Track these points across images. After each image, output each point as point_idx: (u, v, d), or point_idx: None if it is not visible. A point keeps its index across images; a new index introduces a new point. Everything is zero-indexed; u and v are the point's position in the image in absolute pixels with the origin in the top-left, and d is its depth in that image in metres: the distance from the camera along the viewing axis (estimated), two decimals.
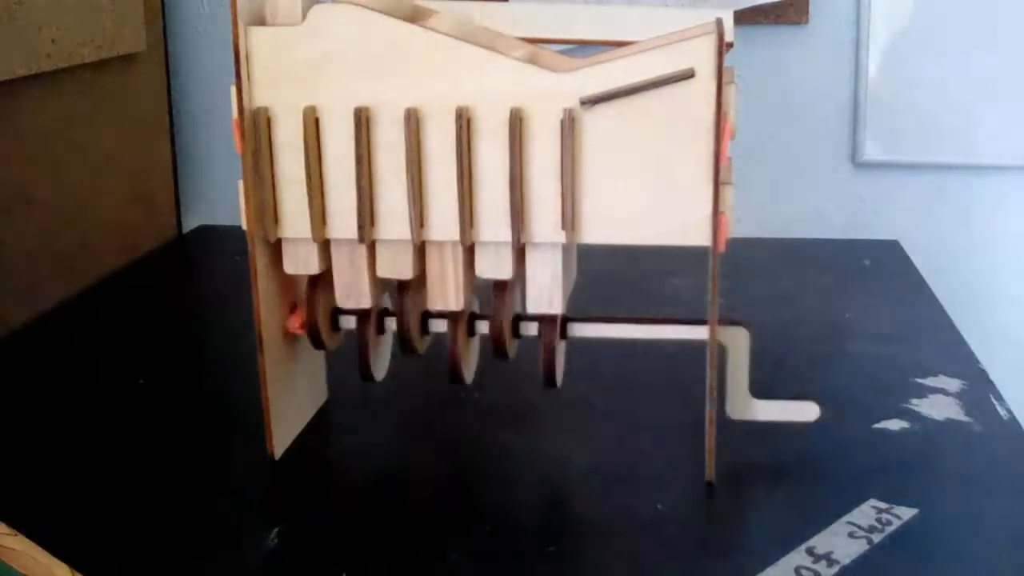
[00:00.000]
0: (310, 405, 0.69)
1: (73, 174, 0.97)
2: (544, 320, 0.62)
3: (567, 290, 0.63)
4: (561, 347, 0.64)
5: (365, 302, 0.62)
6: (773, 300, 0.88)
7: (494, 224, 0.58)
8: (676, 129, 0.55)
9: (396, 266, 0.60)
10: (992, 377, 0.74)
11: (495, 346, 0.62)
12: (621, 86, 0.54)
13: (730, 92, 0.55)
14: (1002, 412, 0.68)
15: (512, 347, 0.63)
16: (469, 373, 0.65)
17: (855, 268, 0.99)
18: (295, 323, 0.63)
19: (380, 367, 0.66)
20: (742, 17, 1.07)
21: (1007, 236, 1.12)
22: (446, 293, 0.61)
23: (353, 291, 0.62)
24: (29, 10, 0.86)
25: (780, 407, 0.62)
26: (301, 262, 0.61)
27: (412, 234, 0.58)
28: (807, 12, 1.09)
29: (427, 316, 0.64)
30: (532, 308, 0.61)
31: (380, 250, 0.60)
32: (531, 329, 0.63)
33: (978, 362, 0.76)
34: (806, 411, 0.62)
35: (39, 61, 0.88)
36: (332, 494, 0.60)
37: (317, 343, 0.64)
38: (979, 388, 0.72)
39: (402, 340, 0.63)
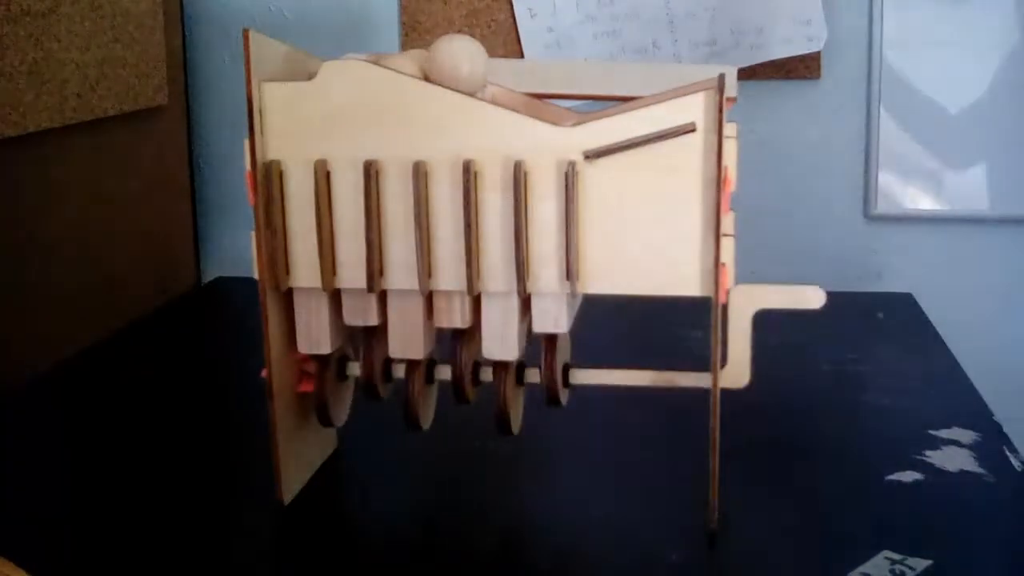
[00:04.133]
0: (319, 452, 0.69)
1: (94, 225, 0.98)
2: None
3: (565, 340, 0.63)
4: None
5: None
6: (787, 352, 0.88)
7: (499, 274, 0.58)
8: (677, 182, 0.56)
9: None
10: (1006, 429, 0.73)
11: (497, 406, 0.63)
12: (623, 140, 0.55)
13: (731, 145, 0.56)
14: (1015, 464, 0.68)
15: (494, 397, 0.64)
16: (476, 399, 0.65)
17: (868, 320, 0.99)
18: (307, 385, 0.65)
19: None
20: (755, 72, 1.08)
21: (1020, 288, 1.11)
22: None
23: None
24: (54, 64, 0.88)
25: (783, 292, 0.59)
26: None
27: (420, 284, 0.59)
28: (819, 68, 1.10)
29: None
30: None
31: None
32: (532, 377, 0.63)
33: (991, 414, 0.76)
34: (810, 297, 0.59)
35: (63, 114, 0.90)
36: (340, 540, 0.61)
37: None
38: (993, 440, 0.72)
39: (407, 410, 0.64)
